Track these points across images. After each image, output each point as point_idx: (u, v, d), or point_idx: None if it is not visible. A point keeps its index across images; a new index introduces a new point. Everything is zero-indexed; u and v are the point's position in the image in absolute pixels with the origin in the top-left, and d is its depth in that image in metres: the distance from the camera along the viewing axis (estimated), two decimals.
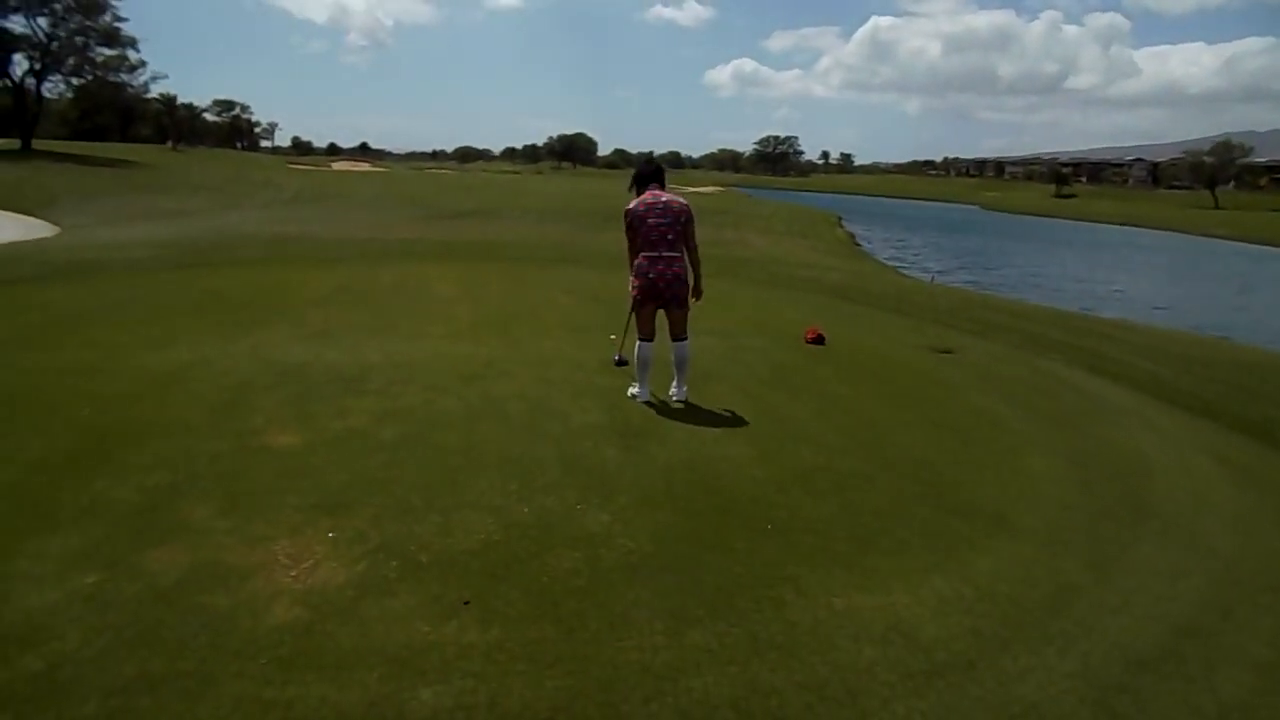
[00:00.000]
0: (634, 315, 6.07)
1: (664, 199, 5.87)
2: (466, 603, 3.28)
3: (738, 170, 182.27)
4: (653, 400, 6.03)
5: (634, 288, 5.92)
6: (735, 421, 5.75)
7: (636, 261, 5.88)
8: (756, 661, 3.02)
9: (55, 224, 26.12)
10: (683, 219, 5.84)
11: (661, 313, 6.03)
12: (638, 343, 6.02)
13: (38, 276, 11.34)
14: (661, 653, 3.04)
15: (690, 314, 6.07)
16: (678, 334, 6.02)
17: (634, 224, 5.85)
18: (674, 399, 6.08)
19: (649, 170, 6.09)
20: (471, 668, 2.87)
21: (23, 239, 20.85)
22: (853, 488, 4.75)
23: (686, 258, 5.91)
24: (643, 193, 5.96)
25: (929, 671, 3.04)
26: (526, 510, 4.14)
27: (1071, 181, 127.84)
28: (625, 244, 6.00)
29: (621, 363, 6.72)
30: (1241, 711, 3.01)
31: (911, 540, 4.12)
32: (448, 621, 3.14)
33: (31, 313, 8.42)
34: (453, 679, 2.80)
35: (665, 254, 5.80)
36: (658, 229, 5.78)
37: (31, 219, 26.88)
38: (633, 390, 6.13)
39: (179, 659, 2.85)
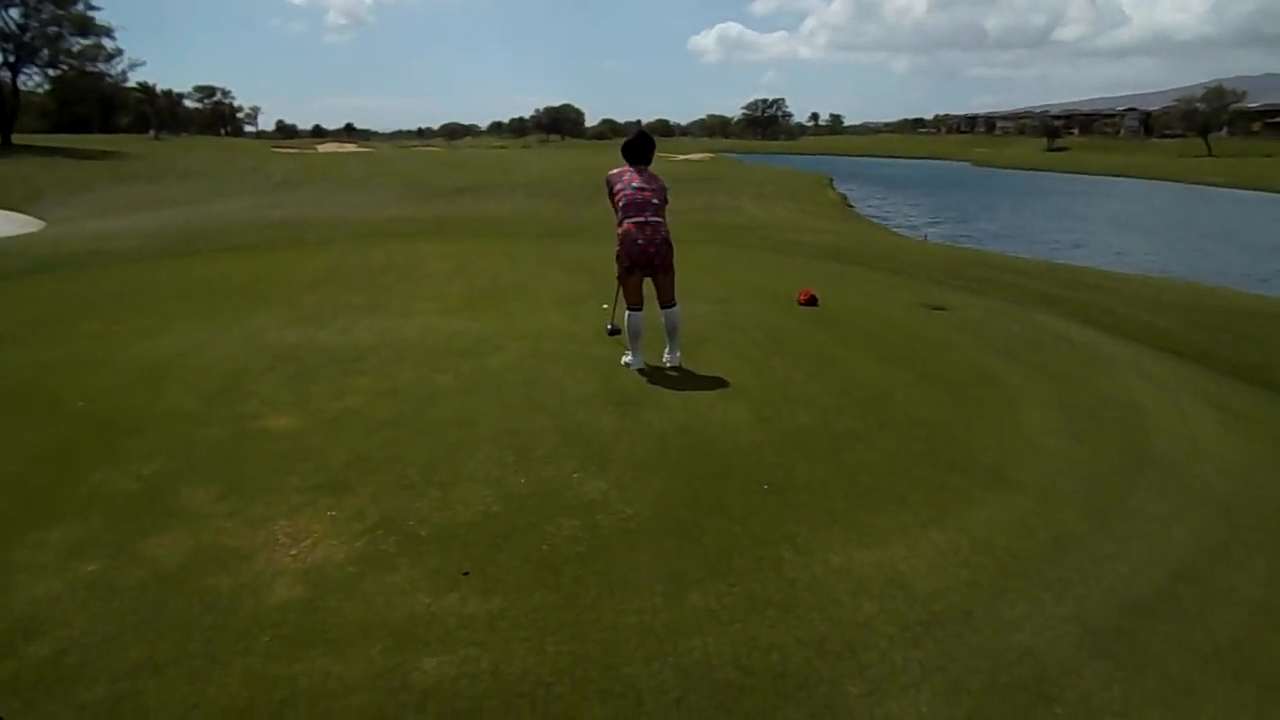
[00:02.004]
0: (621, 286, 6.09)
1: (655, 183, 5.95)
2: (466, 573, 3.30)
3: (727, 136, 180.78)
4: (645, 368, 6.04)
5: (622, 256, 5.90)
6: (730, 386, 5.75)
7: (623, 229, 5.85)
8: (756, 619, 3.05)
9: (40, 218, 25.96)
10: (665, 189, 5.98)
11: (649, 281, 6.03)
12: (627, 313, 6.05)
13: (25, 271, 11.30)
14: (661, 615, 3.07)
15: (677, 279, 6.05)
16: (666, 300, 6.05)
17: (620, 189, 5.88)
18: (668, 365, 6.11)
19: (637, 145, 6.06)
20: (473, 637, 2.90)
21: (10, 234, 20.71)
22: (849, 447, 4.77)
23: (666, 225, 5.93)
24: (639, 162, 6.03)
25: (926, 622, 3.07)
26: (524, 481, 4.16)
27: (1063, 134, 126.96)
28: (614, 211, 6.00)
29: (614, 331, 6.72)
30: (1236, 650, 3.05)
31: (908, 496, 4.15)
32: (448, 593, 3.17)
33: (22, 308, 8.39)
34: (455, 648, 2.83)
35: (652, 219, 5.82)
36: (642, 193, 5.84)
37: (16, 214, 26.68)
38: (626, 359, 6.15)
39: (184, 641, 2.87)
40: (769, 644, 2.91)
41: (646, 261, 5.86)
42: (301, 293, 9.05)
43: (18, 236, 20.20)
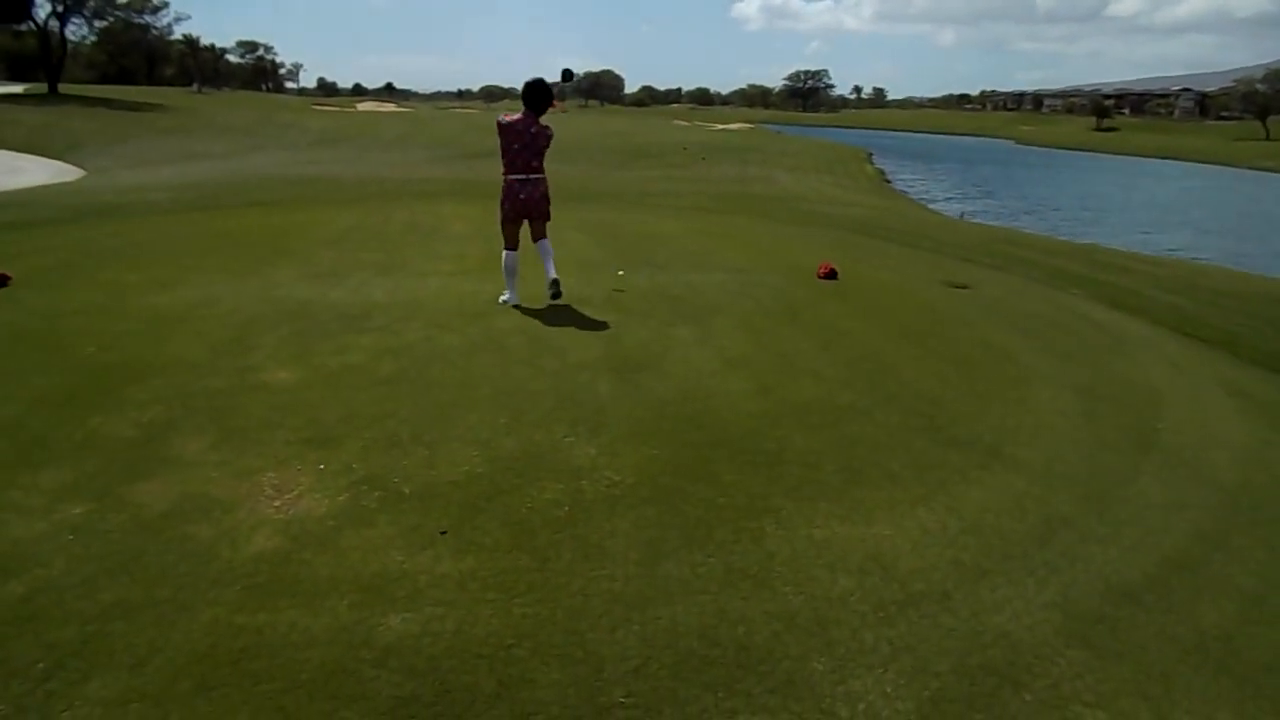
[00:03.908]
0: (501, 229, 6.74)
1: (533, 129, 6.49)
2: (443, 533, 3.30)
3: (767, 107, 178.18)
4: (521, 304, 6.71)
5: (505, 205, 6.64)
6: (736, 356, 5.69)
7: (507, 182, 6.59)
8: (728, 591, 3.02)
9: (80, 167, 26.34)
10: (544, 145, 6.60)
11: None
12: (505, 252, 6.72)
13: (55, 220, 11.46)
14: (634, 582, 3.04)
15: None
16: (539, 235, 6.80)
17: (503, 141, 6.52)
18: (550, 277, 6.71)
19: (531, 95, 6.51)
20: (442, 596, 2.90)
21: (48, 183, 21.04)
22: (849, 420, 4.70)
23: (543, 177, 6.66)
24: (527, 111, 6.51)
25: (902, 601, 3.02)
26: (513, 443, 4.15)
27: (1114, 114, 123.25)
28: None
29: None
30: (1222, 641, 2.97)
31: (902, 473, 4.08)
32: (423, 551, 3.17)
33: (45, 255, 8.50)
34: (422, 606, 2.83)
35: (532, 177, 6.58)
36: (522, 155, 6.51)
37: (58, 162, 27.14)
38: (503, 297, 6.76)
39: (156, 587, 2.91)
40: (738, 616, 2.88)
41: (526, 212, 6.66)
42: (320, 249, 9.07)
43: (54, 185, 20.51)
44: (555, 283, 6.67)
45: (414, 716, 2.38)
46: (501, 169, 6.63)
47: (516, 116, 6.54)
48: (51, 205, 13.58)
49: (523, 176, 6.55)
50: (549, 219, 6.80)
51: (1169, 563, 3.48)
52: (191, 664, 2.53)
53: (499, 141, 6.54)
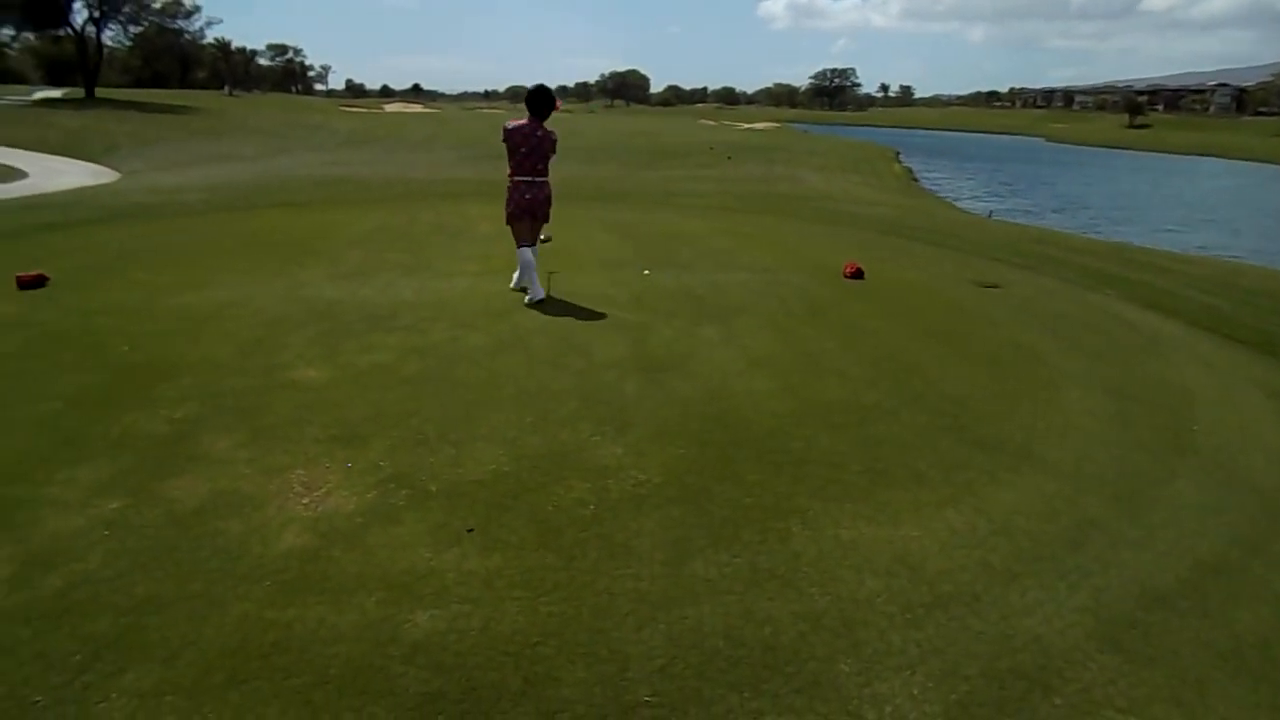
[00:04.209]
0: (510, 227, 7.01)
1: (539, 133, 6.74)
2: (470, 531, 3.32)
3: (793, 106, 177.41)
4: (545, 297, 6.91)
5: (510, 205, 6.89)
6: (761, 355, 5.67)
7: (512, 183, 6.84)
8: (755, 592, 3.01)
9: (115, 170, 26.79)
10: (549, 150, 6.82)
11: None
12: (520, 249, 6.96)
13: (91, 220, 11.66)
14: (659, 582, 3.04)
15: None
16: (532, 240, 7.06)
17: (509, 145, 6.76)
18: (513, 286, 7.17)
19: (535, 101, 6.80)
20: (468, 593, 2.92)
21: (85, 184, 21.43)
22: (874, 421, 4.66)
23: (546, 181, 6.88)
24: (532, 117, 6.77)
25: (930, 604, 2.99)
26: (539, 442, 4.16)
27: (1147, 111, 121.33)
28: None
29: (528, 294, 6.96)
30: (1259, 648, 2.91)
31: (929, 473, 4.04)
32: (450, 549, 3.19)
33: (81, 255, 8.65)
34: (449, 604, 2.85)
35: (537, 180, 6.85)
36: (528, 159, 6.76)
37: (94, 165, 27.61)
38: (528, 296, 6.88)
39: (189, 581, 2.95)
40: (764, 616, 2.87)
41: (531, 212, 6.90)
42: (348, 250, 9.16)
43: (91, 186, 20.88)
44: (530, 301, 6.87)
45: (441, 713, 2.39)
46: (508, 171, 6.85)
47: (522, 122, 6.79)
48: (88, 206, 13.82)
49: (528, 179, 6.80)
50: (548, 220, 7.11)
51: (1204, 567, 3.42)
52: (223, 658, 2.57)
53: (505, 146, 6.77)
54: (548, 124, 6.84)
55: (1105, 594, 3.15)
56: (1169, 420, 5.13)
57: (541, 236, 7.56)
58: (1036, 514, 3.72)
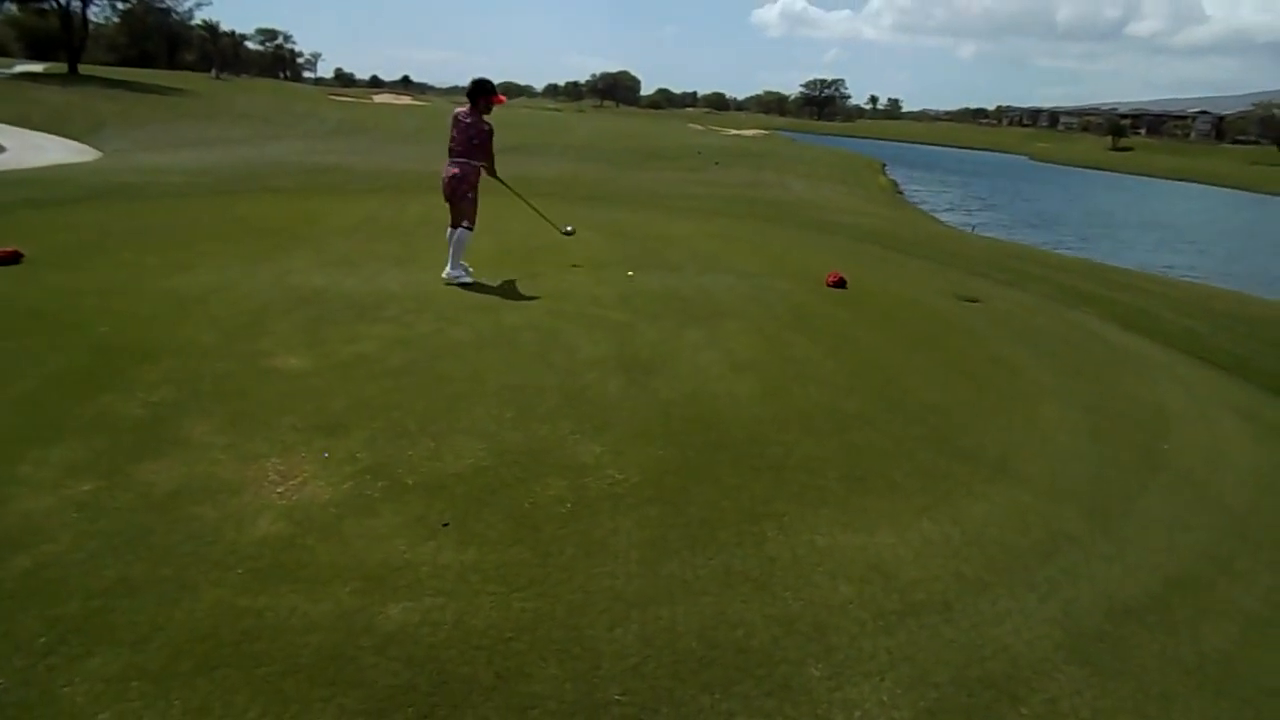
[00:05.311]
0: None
1: (468, 119, 7.20)
2: (446, 524, 3.31)
3: (783, 114, 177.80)
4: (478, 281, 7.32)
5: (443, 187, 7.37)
6: (744, 359, 5.69)
7: (444, 166, 7.33)
8: (729, 594, 3.03)
9: (98, 149, 26.44)
10: (476, 139, 7.23)
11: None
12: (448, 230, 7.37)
13: (74, 199, 11.51)
14: (635, 581, 3.05)
15: (472, 209, 7.27)
16: (455, 223, 7.32)
17: (452, 132, 7.29)
18: (444, 272, 7.29)
19: (472, 92, 7.27)
20: (443, 586, 2.91)
21: (65, 162, 21.15)
22: (854, 428, 4.70)
23: (470, 164, 7.26)
24: (472, 107, 7.23)
25: (902, 611, 3.02)
26: (519, 438, 4.15)
27: (1130, 134, 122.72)
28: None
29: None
30: (1222, 663, 2.96)
31: (905, 483, 4.07)
32: (425, 542, 3.18)
33: (64, 234, 8.54)
34: (423, 596, 2.85)
35: (457, 161, 7.25)
36: (458, 141, 7.23)
37: (76, 143, 27.24)
38: (445, 272, 7.27)
39: (161, 566, 2.92)
40: (737, 619, 2.89)
41: (447, 193, 7.31)
42: (334, 239, 9.11)
43: (73, 164, 20.62)
44: (446, 280, 7.24)
45: (411, 705, 2.39)
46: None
47: (464, 109, 7.30)
48: (71, 184, 13.65)
49: (450, 160, 7.28)
50: (465, 215, 7.28)
51: (1172, 583, 3.47)
52: (193, 644, 2.55)
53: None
54: (491, 116, 7.34)
55: (1075, 606, 3.19)
56: (1143, 438, 5.20)
57: (565, 229, 8.62)
58: (1010, 525, 3.76)
